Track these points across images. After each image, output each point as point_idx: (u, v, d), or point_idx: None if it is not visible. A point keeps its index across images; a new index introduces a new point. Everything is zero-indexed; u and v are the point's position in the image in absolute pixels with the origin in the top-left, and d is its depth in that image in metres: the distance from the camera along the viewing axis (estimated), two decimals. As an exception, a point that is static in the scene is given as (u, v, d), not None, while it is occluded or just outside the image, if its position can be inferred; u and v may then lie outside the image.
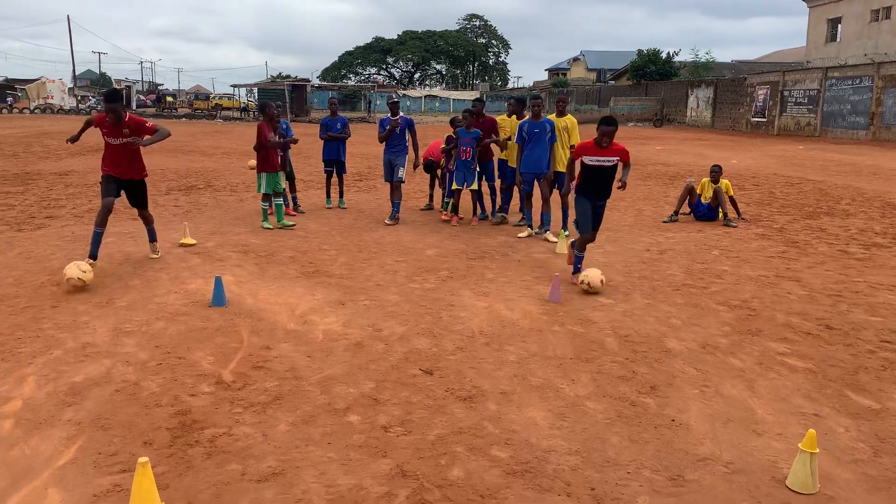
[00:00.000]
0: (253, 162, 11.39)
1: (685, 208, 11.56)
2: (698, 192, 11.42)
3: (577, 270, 7.35)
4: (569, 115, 9.77)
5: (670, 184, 16.24)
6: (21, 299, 6.39)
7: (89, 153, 21.93)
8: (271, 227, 9.98)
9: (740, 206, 12.16)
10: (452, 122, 11.09)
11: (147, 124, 7.66)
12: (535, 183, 9.62)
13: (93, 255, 7.33)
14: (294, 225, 10.21)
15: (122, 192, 7.73)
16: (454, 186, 10.53)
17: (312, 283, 7.15)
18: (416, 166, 11.30)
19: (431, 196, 12.32)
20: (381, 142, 10.78)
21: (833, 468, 3.64)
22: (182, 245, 8.69)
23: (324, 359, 5.08)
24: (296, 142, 10.72)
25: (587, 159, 7.11)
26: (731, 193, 11.49)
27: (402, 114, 10.93)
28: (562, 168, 9.43)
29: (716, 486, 3.46)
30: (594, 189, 7.24)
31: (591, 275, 6.93)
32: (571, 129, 9.58)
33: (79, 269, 6.61)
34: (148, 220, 8.00)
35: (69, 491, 3.35)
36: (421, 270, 7.79)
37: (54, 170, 17.38)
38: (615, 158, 7.14)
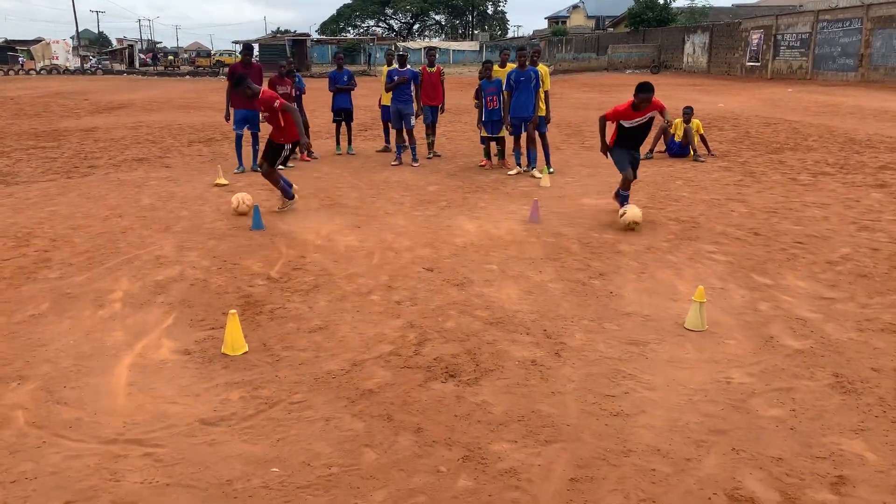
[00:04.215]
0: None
1: (660, 146, 12.83)
2: (671, 131, 12.67)
3: (622, 205, 7.89)
4: (541, 65, 10.95)
5: (655, 127, 17.41)
6: (94, 228, 7.78)
7: (106, 111, 23.16)
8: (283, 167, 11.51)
9: (713, 144, 13.45)
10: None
11: None
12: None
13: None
14: (293, 166, 11.71)
15: None
16: (483, 134, 11.68)
17: (332, 213, 8.51)
18: (417, 115, 12.54)
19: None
20: (388, 91, 12.08)
21: (721, 317, 5.04)
22: (217, 185, 10.05)
23: (347, 263, 6.48)
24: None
25: (625, 123, 7.69)
26: (702, 132, 12.74)
27: (408, 66, 12.25)
28: (542, 113, 10.70)
29: (633, 328, 4.87)
30: (631, 143, 7.89)
31: (632, 212, 7.50)
32: (544, 77, 10.79)
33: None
34: None
35: (176, 340, 4.77)
36: (423, 202, 9.13)
37: (79, 127, 18.62)
38: (651, 114, 7.66)
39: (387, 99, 12.75)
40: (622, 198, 7.99)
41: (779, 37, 40.47)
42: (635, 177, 8.09)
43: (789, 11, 42.87)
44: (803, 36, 38.43)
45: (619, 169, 7.99)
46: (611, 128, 8.03)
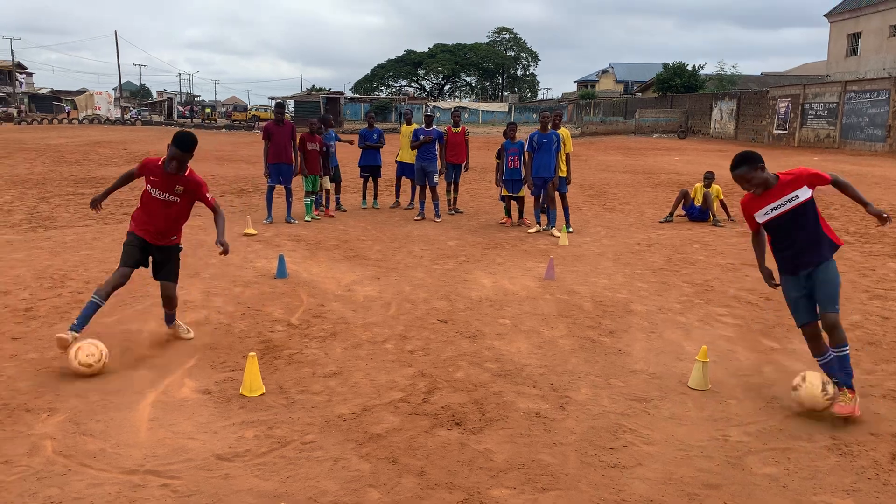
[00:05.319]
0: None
1: (680, 210, 13.01)
2: (692, 196, 12.87)
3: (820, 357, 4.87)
4: (562, 129, 11.28)
5: (678, 192, 17.64)
6: (126, 272, 8.10)
7: (136, 162, 23.90)
8: (311, 219, 11.94)
9: (733, 210, 13.58)
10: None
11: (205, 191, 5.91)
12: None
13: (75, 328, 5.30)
14: (319, 218, 12.29)
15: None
16: (504, 193, 12.06)
17: (353, 264, 8.78)
18: (441, 173, 12.91)
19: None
20: (413, 149, 12.49)
21: (726, 377, 5.16)
22: (245, 234, 10.41)
23: (365, 312, 6.70)
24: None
25: (760, 218, 4.80)
26: (721, 197, 12.92)
27: (434, 126, 12.70)
28: (563, 174, 11.01)
29: (638, 385, 5.00)
30: (788, 251, 4.79)
31: (806, 389, 4.54)
32: (565, 139, 11.13)
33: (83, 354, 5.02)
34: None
35: (198, 380, 4.99)
36: (443, 256, 9.38)
37: (116, 175, 19.27)
38: (799, 193, 4.59)
39: (408, 157, 13.15)
40: (825, 365, 4.81)
41: (806, 106, 40.79)
42: (820, 330, 4.87)
43: (817, 81, 43.30)
44: (831, 105, 38.72)
45: (794, 316, 4.98)
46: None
